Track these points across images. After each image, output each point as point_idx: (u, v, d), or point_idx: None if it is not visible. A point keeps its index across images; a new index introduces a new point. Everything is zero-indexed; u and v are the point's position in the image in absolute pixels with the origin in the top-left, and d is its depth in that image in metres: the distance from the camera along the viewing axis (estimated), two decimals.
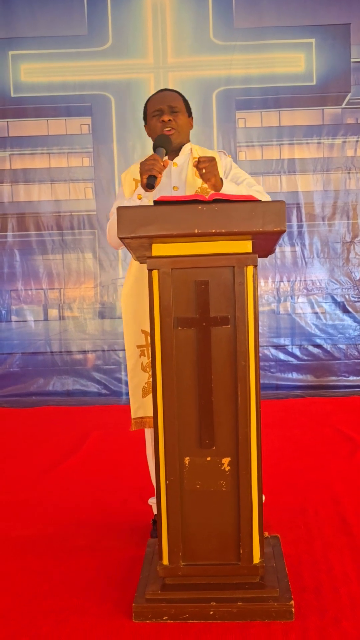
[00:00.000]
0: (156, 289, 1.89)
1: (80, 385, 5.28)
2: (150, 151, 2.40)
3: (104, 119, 5.22)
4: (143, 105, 2.57)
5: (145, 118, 2.56)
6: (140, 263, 2.17)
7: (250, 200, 1.85)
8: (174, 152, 2.52)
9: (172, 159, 2.52)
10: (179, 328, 1.90)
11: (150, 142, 2.49)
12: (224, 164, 2.53)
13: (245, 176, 2.55)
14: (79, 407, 4.93)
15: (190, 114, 2.58)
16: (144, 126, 2.58)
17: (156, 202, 1.88)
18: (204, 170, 2.25)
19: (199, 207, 1.81)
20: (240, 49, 5.13)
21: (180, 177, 2.51)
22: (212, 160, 2.27)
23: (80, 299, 5.31)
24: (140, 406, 2.47)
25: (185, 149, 2.55)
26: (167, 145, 2.40)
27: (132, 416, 2.49)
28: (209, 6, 5.12)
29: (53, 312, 5.34)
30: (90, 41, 5.19)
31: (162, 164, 2.28)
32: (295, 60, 5.18)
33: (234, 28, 5.14)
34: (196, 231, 1.81)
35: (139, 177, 2.39)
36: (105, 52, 5.19)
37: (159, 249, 1.89)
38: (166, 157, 2.38)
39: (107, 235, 2.53)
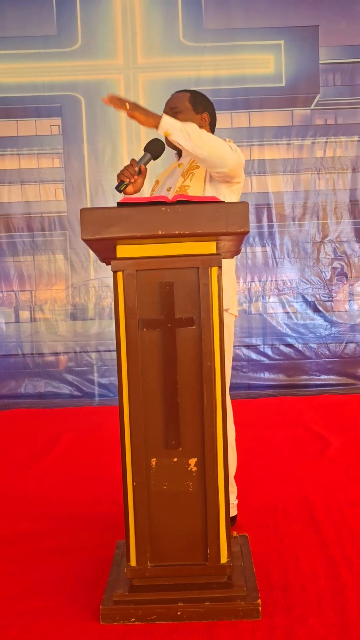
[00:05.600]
0: (121, 291, 1.89)
1: (53, 387, 5.25)
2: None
3: (74, 119, 5.20)
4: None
5: None
6: (106, 265, 2.17)
7: (214, 202, 1.86)
8: (180, 153, 2.56)
9: (178, 160, 2.57)
10: (144, 329, 1.90)
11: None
12: None
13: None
14: (51, 410, 4.91)
15: (200, 110, 2.52)
16: None
17: (119, 204, 1.88)
18: (127, 106, 2.24)
19: (163, 209, 1.82)
20: (209, 50, 5.15)
21: (177, 178, 2.51)
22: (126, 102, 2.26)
23: (52, 300, 5.28)
24: None
25: None
26: (155, 149, 2.40)
27: None
28: (179, 7, 5.13)
29: (24, 314, 5.31)
30: (60, 41, 5.16)
31: (135, 169, 2.33)
32: (264, 62, 5.21)
33: (203, 29, 5.16)
34: (160, 232, 1.81)
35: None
36: (75, 52, 5.17)
37: (123, 251, 1.89)
38: (142, 164, 2.38)
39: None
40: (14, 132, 5.24)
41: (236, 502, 2.65)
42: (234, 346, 5.12)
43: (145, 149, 2.40)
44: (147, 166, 2.41)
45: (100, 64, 5.17)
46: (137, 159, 2.38)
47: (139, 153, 5.08)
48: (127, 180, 2.34)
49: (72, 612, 1.98)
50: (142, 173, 2.38)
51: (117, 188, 2.35)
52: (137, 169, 2.34)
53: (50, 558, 2.37)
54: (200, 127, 2.49)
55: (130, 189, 2.38)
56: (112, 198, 5.14)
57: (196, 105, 2.53)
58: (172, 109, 2.49)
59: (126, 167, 2.35)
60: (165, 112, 2.49)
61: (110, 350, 5.22)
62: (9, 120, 5.23)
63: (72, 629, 1.89)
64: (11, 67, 5.20)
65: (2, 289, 5.27)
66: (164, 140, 2.44)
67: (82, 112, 5.18)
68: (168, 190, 2.50)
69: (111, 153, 5.16)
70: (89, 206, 5.12)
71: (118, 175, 2.37)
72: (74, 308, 5.29)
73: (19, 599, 2.07)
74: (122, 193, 2.37)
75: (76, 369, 5.26)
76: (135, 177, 2.36)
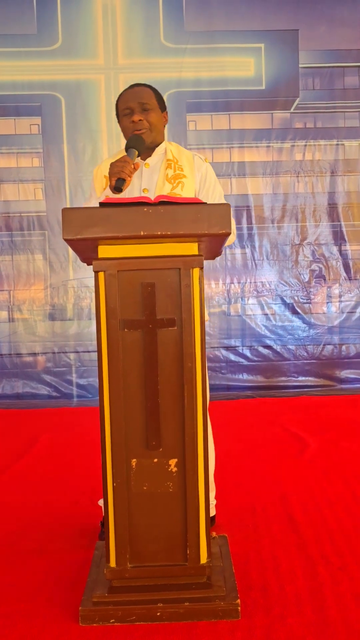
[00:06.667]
0: (102, 291, 1.88)
1: (30, 388, 5.22)
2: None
3: (54, 119, 5.17)
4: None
5: (117, 115, 2.47)
6: (87, 265, 2.17)
7: (196, 203, 1.87)
8: (147, 152, 2.44)
9: (144, 159, 2.45)
10: (126, 330, 1.90)
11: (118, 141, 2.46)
12: (198, 169, 2.46)
13: (215, 192, 2.48)
14: (29, 410, 4.87)
15: (163, 108, 2.48)
16: (118, 123, 2.47)
17: (102, 204, 1.88)
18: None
19: (145, 209, 1.82)
20: (190, 52, 5.15)
21: (151, 179, 2.45)
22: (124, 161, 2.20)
23: (30, 300, 5.25)
24: None
25: (160, 149, 2.47)
26: (139, 146, 2.32)
27: None
28: (160, 8, 5.13)
29: (2, 314, 5.27)
30: (40, 40, 5.13)
31: (132, 166, 2.21)
32: (245, 65, 5.23)
33: (184, 31, 5.16)
34: (142, 233, 1.81)
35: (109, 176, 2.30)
36: (55, 51, 5.14)
37: (105, 251, 1.89)
38: (138, 159, 2.29)
39: None
40: None
41: (215, 502, 2.65)
42: (213, 347, 5.16)
43: (130, 146, 2.29)
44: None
45: (81, 63, 5.15)
46: (128, 156, 2.25)
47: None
48: (129, 178, 2.20)
49: (52, 613, 1.97)
50: (135, 169, 2.26)
51: (118, 187, 2.16)
52: (132, 165, 2.21)
53: (27, 560, 2.36)
54: (163, 125, 2.50)
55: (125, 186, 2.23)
56: None
57: (160, 104, 2.47)
58: (142, 105, 2.39)
59: (122, 164, 2.19)
60: (132, 107, 2.39)
61: (88, 351, 5.20)
62: None
63: (51, 630, 1.88)
64: None
65: None
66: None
67: (62, 111, 5.16)
68: (145, 191, 2.42)
69: (91, 153, 5.15)
70: (68, 206, 5.09)
71: (113, 173, 2.19)
72: (53, 308, 5.26)
73: None
74: (117, 193, 2.18)
75: (54, 370, 5.24)
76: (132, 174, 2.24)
